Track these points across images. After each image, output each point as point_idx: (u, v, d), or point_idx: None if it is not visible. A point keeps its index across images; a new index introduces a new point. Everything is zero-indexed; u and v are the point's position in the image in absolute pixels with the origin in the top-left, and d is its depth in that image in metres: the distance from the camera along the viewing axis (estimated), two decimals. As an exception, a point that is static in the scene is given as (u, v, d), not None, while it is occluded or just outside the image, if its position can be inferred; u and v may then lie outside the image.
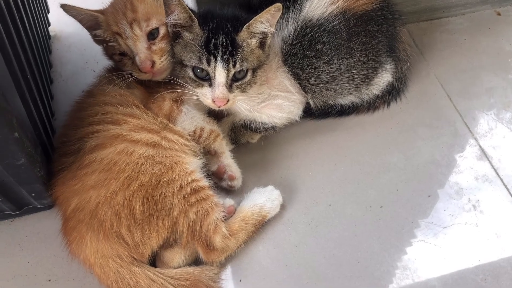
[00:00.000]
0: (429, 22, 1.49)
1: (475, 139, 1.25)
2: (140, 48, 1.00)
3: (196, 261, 1.03)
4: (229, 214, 1.06)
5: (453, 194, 1.14)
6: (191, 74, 1.02)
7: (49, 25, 1.43)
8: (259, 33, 1.01)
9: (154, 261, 1.02)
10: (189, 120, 1.07)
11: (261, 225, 1.07)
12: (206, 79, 1.01)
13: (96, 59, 1.35)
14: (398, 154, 1.21)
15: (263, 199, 1.07)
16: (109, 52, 1.06)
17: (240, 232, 1.03)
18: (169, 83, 1.06)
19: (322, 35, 1.11)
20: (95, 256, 0.94)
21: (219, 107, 1.03)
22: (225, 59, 0.97)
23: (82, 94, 1.09)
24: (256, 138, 1.23)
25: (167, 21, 1.01)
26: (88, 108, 1.03)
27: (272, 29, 1.01)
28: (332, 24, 1.11)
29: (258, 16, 0.96)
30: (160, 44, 1.02)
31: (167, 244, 1.02)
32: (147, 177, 0.94)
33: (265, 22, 0.98)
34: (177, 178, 0.96)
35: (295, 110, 1.20)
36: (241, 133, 1.20)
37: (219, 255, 1.00)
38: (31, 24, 1.13)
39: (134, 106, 1.02)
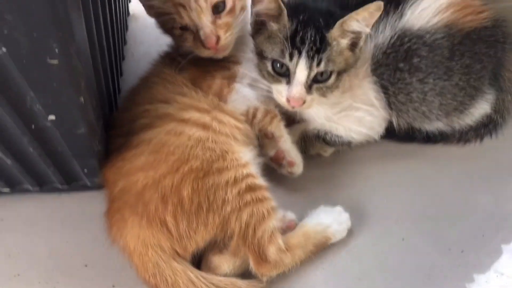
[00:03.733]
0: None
1: None
2: (205, 22, 0.92)
3: (244, 275, 0.92)
4: (289, 229, 0.96)
5: (549, 252, 0.98)
6: (269, 68, 0.93)
7: (130, 1, 1.39)
8: (352, 32, 0.90)
9: (198, 265, 0.93)
10: (241, 99, 0.99)
11: (323, 248, 0.96)
12: (284, 75, 0.92)
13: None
14: (488, 196, 1.07)
15: (329, 220, 0.96)
16: (168, 26, 0.98)
17: (298, 249, 0.92)
18: (219, 61, 0.99)
19: (421, 48, 0.99)
20: (135, 243, 0.87)
21: (293, 107, 0.93)
22: (310, 55, 0.88)
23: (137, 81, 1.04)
24: (329, 151, 1.12)
25: (254, 10, 0.92)
26: (140, 90, 0.99)
27: (368, 30, 0.90)
28: (434, 37, 0.99)
29: (354, 13, 0.86)
30: (225, 18, 0.95)
31: (216, 249, 0.93)
32: (197, 161, 0.87)
33: (361, 20, 0.88)
34: (229, 168, 0.88)
35: (377, 127, 1.09)
36: (312, 144, 1.10)
37: (271, 269, 0.90)
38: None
39: (183, 84, 0.96)
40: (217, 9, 0.93)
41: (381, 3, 0.85)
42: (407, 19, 1.00)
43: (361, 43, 0.93)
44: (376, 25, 1.00)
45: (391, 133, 1.13)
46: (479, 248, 0.99)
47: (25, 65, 0.65)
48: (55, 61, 0.65)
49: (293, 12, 0.91)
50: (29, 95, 0.70)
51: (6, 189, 0.98)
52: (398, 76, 1.02)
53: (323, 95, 0.94)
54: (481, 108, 1.10)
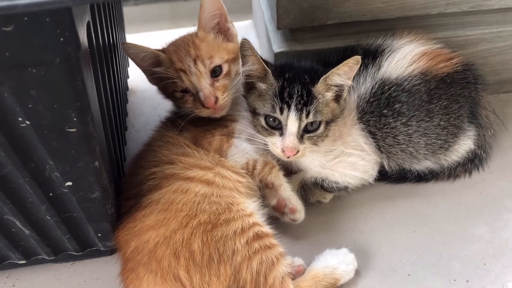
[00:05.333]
0: (510, 94, 1.44)
1: None
2: (204, 84, 1.01)
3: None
4: (298, 274, 0.98)
5: (550, 274, 1.01)
6: (263, 123, 1.01)
7: (128, 77, 1.49)
8: (335, 86, 0.99)
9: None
10: (241, 152, 1.04)
11: (333, 290, 0.98)
12: (277, 128, 1.00)
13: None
14: (484, 226, 1.11)
15: (336, 261, 0.99)
16: (169, 90, 1.06)
17: None
18: (217, 121, 1.06)
19: (400, 94, 1.08)
20: None
21: (288, 157, 1.00)
22: (298, 108, 0.96)
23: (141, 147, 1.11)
24: (328, 198, 1.17)
25: (243, 70, 1.02)
26: (145, 155, 1.05)
27: (349, 82, 0.99)
28: (412, 83, 1.08)
29: (335, 68, 0.95)
30: (223, 81, 1.03)
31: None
32: (205, 215, 0.91)
33: (342, 74, 0.97)
34: (236, 218, 0.92)
35: (370, 171, 1.15)
36: (311, 192, 1.14)
37: (285, 314, 0.91)
38: (118, 69, 1.17)
39: (185, 145, 1.02)
40: (214, 73, 1.02)
41: (359, 57, 0.94)
42: (385, 70, 1.10)
43: (345, 94, 1.02)
44: (357, 77, 1.09)
45: (384, 176, 1.19)
46: (483, 276, 1.01)
47: (46, 135, 0.71)
48: (73, 129, 0.71)
49: (279, 71, 1.00)
50: (49, 163, 0.76)
51: (23, 261, 1.00)
52: (384, 122, 1.09)
53: (315, 143, 1.01)
54: (465, 144, 1.17)
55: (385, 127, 1.10)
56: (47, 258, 1.01)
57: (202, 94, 1.01)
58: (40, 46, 0.60)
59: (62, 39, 0.60)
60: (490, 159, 1.24)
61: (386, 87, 1.08)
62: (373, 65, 1.11)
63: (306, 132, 0.99)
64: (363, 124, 1.10)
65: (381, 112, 1.09)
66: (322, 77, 0.97)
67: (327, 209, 1.16)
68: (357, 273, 1.01)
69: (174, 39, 1.10)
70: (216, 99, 1.01)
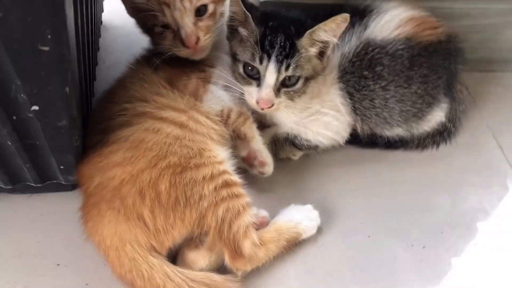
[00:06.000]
0: (484, 73, 1.45)
1: (527, 195, 1.17)
2: (187, 22, 0.96)
3: (219, 270, 0.94)
4: (262, 226, 0.98)
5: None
6: (241, 70, 0.99)
7: (103, 11, 1.41)
8: (321, 42, 0.97)
9: (174, 262, 0.93)
10: (216, 99, 1.02)
11: (294, 244, 0.99)
12: (255, 78, 0.98)
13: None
14: (445, 196, 1.14)
15: (300, 216, 1.00)
16: (148, 24, 1.01)
17: (272, 243, 0.94)
18: (195, 63, 1.03)
19: (383, 57, 1.07)
20: (111, 238, 0.87)
21: (262, 109, 0.99)
22: (279, 60, 0.94)
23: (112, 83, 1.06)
24: (298, 155, 1.17)
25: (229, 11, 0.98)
26: (116, 90, 1.01)
27: (335, 40, 0.97)
28: (396, 47, 1.07)
29: (322, 23, 0.93)
30: (206, 21, 0.99)
31: (192, 244, 0.94)
32: (175, 157, 0.89)
33: (328, 31, 0.94)
34: (206, 164, 0.91)
35: (342, 132, 1.15)
36: (282, 147, 1.14)
37: (246, 263, 0.92)
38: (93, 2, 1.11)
39: (160, 85, 0.98)
40: (199, 12, 0.97)
41: (347, 15, 0.92)
42: (371, 31, 1.08)
43: (329, 52, 1.00)
44: (342, 36, 1.06)
45: (355, 139, 1.19)
46: (439, 243, 1.04)
47: (16, 51, 0.65)
48: (46, 48, 0.66)
49: (263, 18, 0.96)
50: (15, 83, 0.71)
51: (-23, 187, 0.96)
52: (363, 83, 1.08)
53: (291, 98, 1.00)
54: (437, 115, 1.19)
55: (363, 89, 1.09)
56: (3, 186, 0.96)
57: (184, 32, 0.96)
58: None
59: None
60: (458, 134, 1.26)
61: (370, 48, 1.07)
62: (359, 25, 1.09)
63: (283, 86, 0.98)
64: (343, 83, 1.09)
65: (362, 73, 1.08)
66: (308, 31, 0.94)
67: (295, 167, 1.17)
68: (320, 230, 1.03)
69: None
70: (198, 39, 0.97)
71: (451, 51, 1.15)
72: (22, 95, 0.73)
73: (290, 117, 1.07)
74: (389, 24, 1.08)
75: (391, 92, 1.09)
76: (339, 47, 1.08)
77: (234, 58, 1.00)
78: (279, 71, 0.94)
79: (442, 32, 1.12)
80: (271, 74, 0.95)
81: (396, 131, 1.18)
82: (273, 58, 0.93)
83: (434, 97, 1.15)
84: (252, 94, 0.98)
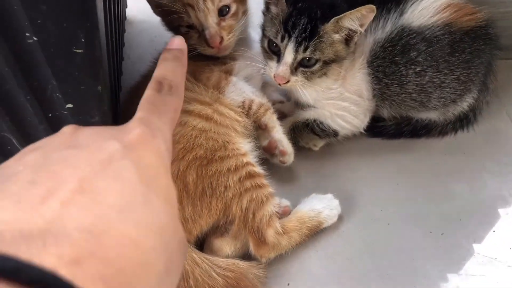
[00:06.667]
0: (504, 61, 1.45)
1: (546, 183, 1.18)
2: (211, 23, 0.99)
3: (244, 257, 0.98)
4: (284, 214, 1.02)
5: (520, 234, 1.07)
6: (266, 45, 1.04)
7: (126, 6, 1.45)
8: (346, 29, 0.99)
9: (201, 249, 0.98)
10: (238, 91, 1.05)
11: (316, 232, 1.02)
12: (277, 54, 1.02)
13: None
14: (463, 184, 1.16)
15: (321, 206, 1.03)
16: (174, 24, 1.05)
17: (294, 232, 0.98)
18: (217, 58, 1.07)
19: (419, 43, 1.06)
20: None
21: (279, 84, 1.04)
22: (298, 41, 0.97)
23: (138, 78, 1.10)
24: (318, 145, 1.19)
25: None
26: (144, 85, 1.02)
27: (361, 29, 0.98)
28: (434, 34, 1.06)
29: (349, 12, 0.94)
30: (229, 21, 1.02)
31: (218, 232, 0.98)
32: (202, 150, 0.92)
33: (354, 20, 0.96)
34: (231, 156, 0.94)
35: (361, 116, 1.16)
36: (301, 134, 1.17)
37: (269, 250, 0.96)
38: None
39: (185, 79, 1.00)
40: (221, 12, 1.00)
41: (373, 7, 0.93)
42: (408, 17, 1.07)
43: (356, 39, 1.01)
44: (376, 21, 1.07)
45: (381, 132, 1.22)
46: (457, 231, 1.07)
47: (52, 54, 0.70)
48: (80, 50, 0.70)
49: (294, -1, 0.99)
50: (51, 83, 0.75)
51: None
52: (393, 69, 1.08)
53: (308, 78, 1.03)
54: (469, 100, 1.19)
55: (393, 74, 1.09)
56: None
57: (208, 32, 0.99)
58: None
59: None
60: (477, 121, 1.27)
61: (405, 34, 1.06)
62: (395, 11, 1.09)
63: (301, 65, 1.01)
64: (371, 69, 1.10)
65: (394, 59, 1.08)
66: (334, 18, 0.95)
67: (315, 157, 1.19)
68: (340, 218, 1.06)
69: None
70: (221, 39, 1.00)
71: (492, 36, 1.14)
72: (57, 94, 0.77)
73: (312, 94, 1.10)
74: (426, 10, 1.07)
75: (428, 77, 1.09)
76: (372, 32, 1.09)
77: (263, 33, 1.06)
78: (297, 51, 0.98)
79: (481, 17, 1.11)
80: (289, 53, 0.98)
81: (430, 115, 1.20)
82: (292, 38, 0.97)
83: (474, 83, 1.15)
84: (272, 69, 1.03)
